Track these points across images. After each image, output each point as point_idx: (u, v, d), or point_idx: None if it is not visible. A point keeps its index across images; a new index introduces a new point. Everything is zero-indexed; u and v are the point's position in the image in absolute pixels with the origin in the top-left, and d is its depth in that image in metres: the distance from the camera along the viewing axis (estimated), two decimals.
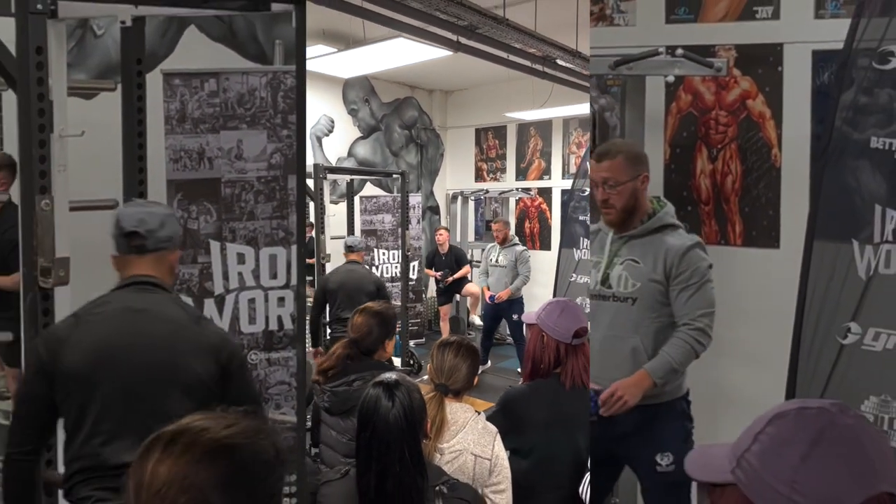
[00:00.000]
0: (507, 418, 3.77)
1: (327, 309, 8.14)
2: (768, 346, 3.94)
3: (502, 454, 3.43)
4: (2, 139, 5.12)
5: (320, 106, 12.03)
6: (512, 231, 11.05)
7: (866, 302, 3.57)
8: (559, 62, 9.29)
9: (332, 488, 2.80)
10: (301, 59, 3.85)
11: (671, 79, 4.09)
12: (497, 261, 10.39)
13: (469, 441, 3.36)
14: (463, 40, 7.98)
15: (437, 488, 2.74)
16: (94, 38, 4.64)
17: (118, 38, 3.81)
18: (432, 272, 11.64)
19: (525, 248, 10.71)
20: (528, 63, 9.35)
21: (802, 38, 4.18)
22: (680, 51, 3.91)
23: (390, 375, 2.85)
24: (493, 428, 3.49)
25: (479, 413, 3.57)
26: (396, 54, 8.69)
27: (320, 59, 9.23)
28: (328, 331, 8.24)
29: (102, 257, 2.89)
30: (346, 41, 9.09)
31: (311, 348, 8.01)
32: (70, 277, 3.17)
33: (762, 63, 4.27)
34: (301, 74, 3.81)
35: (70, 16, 3.26)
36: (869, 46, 3.48)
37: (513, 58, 9.03)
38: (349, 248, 8.53)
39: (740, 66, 4.30)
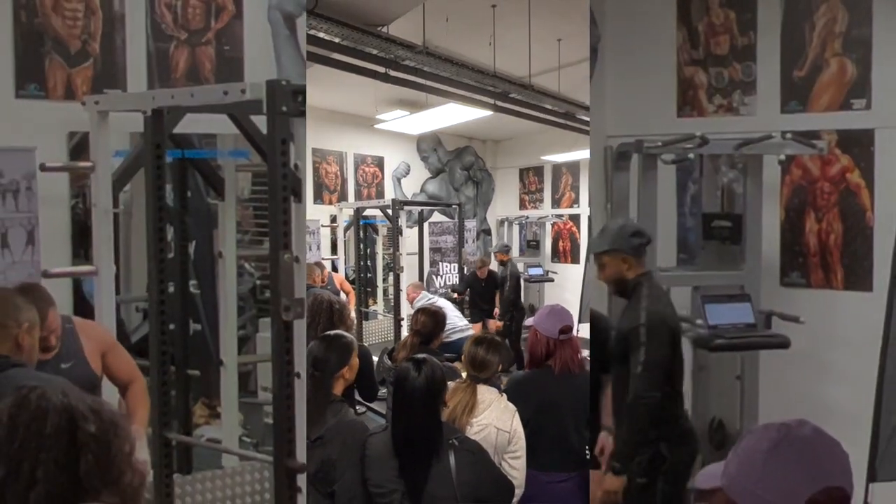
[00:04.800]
0: (510, 398, 4.24)
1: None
2: (861, 369, 4.63)
3: (519, 428, 3.90)
4: None
5: (399, 155, 14.46)
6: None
7: None
8: (579, 116, 11.24)
9: (375, 439, 3.37)
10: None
11: (783, 157, 4.82)
12: None
13: (493, 417, 3.86)
14: (499, 103, 9.97)
15: (451, 441, 3.25)
16: None
17: None
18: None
19: None
20: (553, 118, 11.32)
21: (890, 124, 4.95)
22: (789, 135, 4.62)
23: (424, 355, 3.41)
24: (512, 407, 3.98)
25: (502, 394, 4.10)
26: (449, 115, 10.75)
27: (398, 120, 11.68)
28: None
29: None
30: (414, 106, 10.88)
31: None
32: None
33: (858, 144, 5.03)
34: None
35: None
36: None
37: (541, 115, 11.03)
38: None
39: (840, 146, 5.07)
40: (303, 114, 3.49)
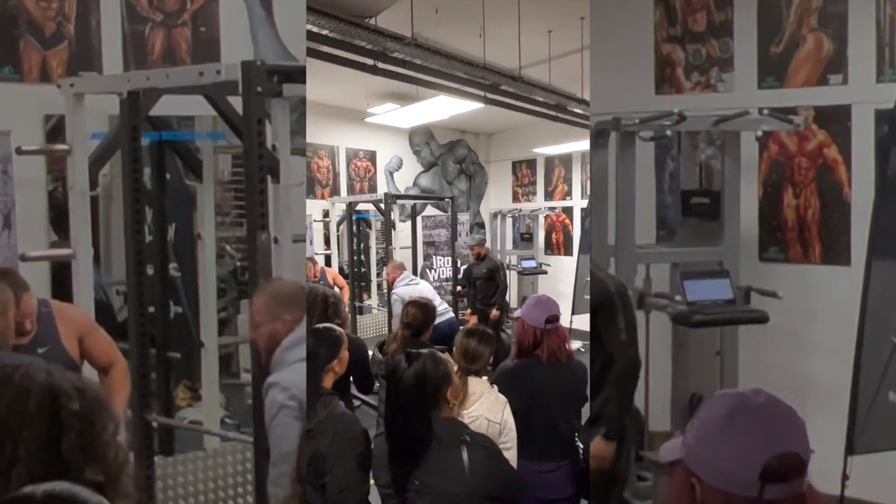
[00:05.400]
0: (499, 388, 4.21)
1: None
2: (839, 342, 4.62)
3: (510, 420, 3.85)
4: None
5: (391, 149, 14.45)
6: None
7: None
8: (571, 108, 11.25)
9: (380, 439, 3.40)
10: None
11: (760, 133, 4.81)
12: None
13: (484, 408, 3.83)
14: (490, 95, 9.87)
15: (462, 437, 3.14)
16: None
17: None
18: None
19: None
20: (545, 110, 11.24)
21: (866, 100, 4.99)
22: (766, 111, 4.62)
23: (422, 349, 3.31)
24: (503, 398, 3.94)
25: (493, 386, 4.06)
26: (440, 108, 10.88)
27: (389, 113, 11.78)
28: None
29: None
30: (406, 100, 10.92)
31: None
32: None
33: (835, 119, 5.09)
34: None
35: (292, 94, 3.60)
36: None
37: (532, 107, 10.94)
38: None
39: (817, 121, 5.13)
40: (280, 94, 3.50)
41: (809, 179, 5.23)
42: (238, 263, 5.92)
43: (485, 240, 13.05)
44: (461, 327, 4.80)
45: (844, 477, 4.34)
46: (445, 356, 4.46)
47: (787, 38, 5.20)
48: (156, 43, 4.83)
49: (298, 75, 3.63)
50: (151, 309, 4.16)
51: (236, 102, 3.58)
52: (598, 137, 4.86)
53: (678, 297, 4.53)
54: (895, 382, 4.43)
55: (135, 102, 3.81)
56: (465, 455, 3.11)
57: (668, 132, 4.65)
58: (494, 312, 10.78)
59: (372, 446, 3.45)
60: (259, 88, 3.37)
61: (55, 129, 4.50)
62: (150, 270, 4.17)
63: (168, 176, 4.92)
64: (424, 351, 3.31)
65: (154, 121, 4.59)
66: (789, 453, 1.52)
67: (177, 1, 4.85)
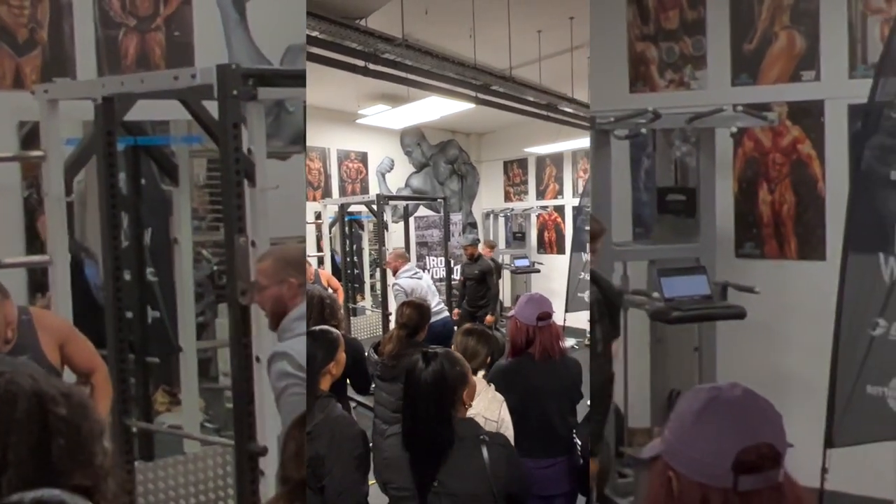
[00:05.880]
0: (495, 387, 4.24)
1: None
2: (816, 336, 4.66)
3: (507, 418, 3.89)
4: None
5: (382, 150, 14.46)
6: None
7: (890, 301, 4.42)
8: (561, 108, 11.25)
9: (391, 441, 3.27)
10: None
11: (734, 130, 4.78)
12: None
13: (481, 407, 3.81)
14: (480, 95, 9.84)
15: (481, 437, 3.14)
16: (286, 114, 5.34)
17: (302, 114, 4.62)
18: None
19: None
20: (535, 110, 11.22)
21: (839, 95, 5.04)
22: (740, 108, 4.63)
23: (438, 349, 3.30)
24: (500, 397, 3.99)
25: (490, 384, 4.11)
26: (431, 109, 10.90)
27: (380, 115, 11.76)
28: None
29: None
30: (396, 101, 10.96)
31: None
32: None
33: (808, 115, 5.13)
34: None
35: (267, 98, 3.63)
36: (888, 99, 4.29)
37: (523, 106, 10.92)
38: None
39: (791, 117, 5.17)
40: (255, 97, 3.49)
41: (784, 175, 5.27)
42: (215, 267, 5.91)
43: (478, 240, 13.08)
44: (461, 327, 4.79)
45: (824, 470, 4.38)
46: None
47: (760, 36, 5.23)
48: (129, 48, 4.81)
49: (298, 80, 3.70)
50: (129, 314, 4.14)
51: (211, 107, 3.56)
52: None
53: (655, 294, 4.54)
54: (872, 375, 4.49)
55: (109, 107, 3.79)
56: (485, 454, 3.11)
57: (643, 130, 4.68)
58: (489, 318, 10.76)
59: (371, 445, 3.49)
60: (234, 92, 3.36)
61: (29, 136, 4.48)
62: (126, 276, 4.14)
63: (143, 181, 4.91)
64: (440, 350, 3.30)
65: (129, 125, 4.58)
66: (762, 445, 1.52)
67: (150, 6, 4.84)
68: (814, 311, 4.86)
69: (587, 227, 7.64)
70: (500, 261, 13.77)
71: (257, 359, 3.46)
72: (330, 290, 9.13)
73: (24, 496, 1.46)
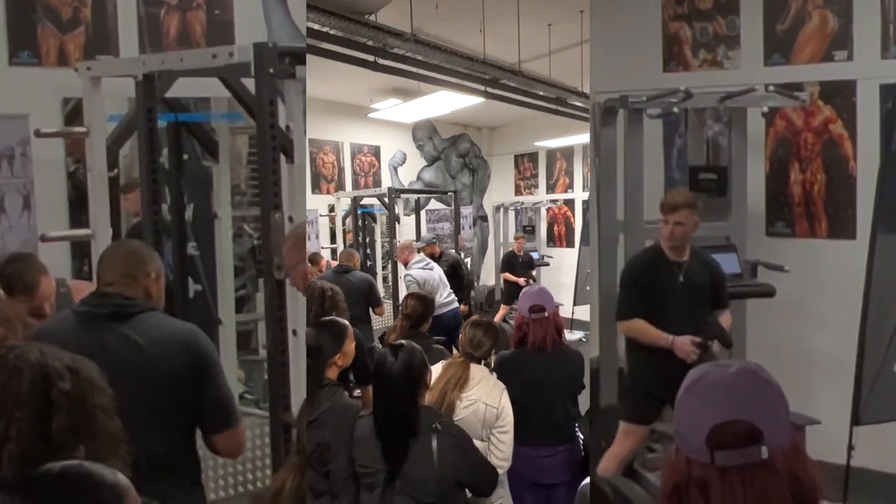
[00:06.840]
0: (498, 376, 4.29)
1: None
2: (845, 315, 4.65)
3: (507, 405, 3.93)
4: None
5: (394, 143, 14.42)
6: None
7: None
8: (571, 102, 11.17)
9: (362, 421, 3.39)
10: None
11: (766, 109, 4.80)
12: None
13: (482, 393, 3.90)
14: (490, 90, 9.86)
15: (434, 426, 3.27)
16: None
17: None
18: (512, 277, 12.45)
19: None
20: (546, 104, 11.18)
21: (871, 75, 5.03)
22: (772, 87, 4.70)
23: (402, 341, 3.45)
24: (501, 384, 4.03)
25: (492, 373, 4.16)
26: (441, 103, 10.88)
27: (392, 108, 11.71)
28: None
29: None
30: (408, 95, 10.85)
31: None
32: None
33: (840, 95, 5.13)
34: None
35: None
36: None
37: (533, 101, 10.89)
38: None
39: (823, 97, 5.17)
40: (293, 76, 3.52)
41: (815, 154, 5.27)
42: (256, 242, 5.97)
43: (435, 240, 12.74)
44: (468, 319, 4.86)
45: (850, 447, 4.42)
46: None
47: (793, 16, 5.23)
48: (171, 26, 4.90)
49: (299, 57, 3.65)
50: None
51: (250, 84, 3.60)
52: (606, 115, 4.91)
53: None
54: None
55: (150, 85, 3.87)
56: (434, 443, 3.25)
57: (676, 109, 4.71)
58: (463, 307, 10.80)
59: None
60: (271, 70, 3.42)
61: (73, 112, 4.57)
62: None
63: (186, 157, 4.98)
64: (404, 342, 3.44)
65: (170, 102, 4.65)
66: (736, 421, 1.53)
67: None
68: (843, 290, 4.87)
69: None
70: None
71: (294, 332, 3.51)
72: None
73: (52, 467, 1.48)
